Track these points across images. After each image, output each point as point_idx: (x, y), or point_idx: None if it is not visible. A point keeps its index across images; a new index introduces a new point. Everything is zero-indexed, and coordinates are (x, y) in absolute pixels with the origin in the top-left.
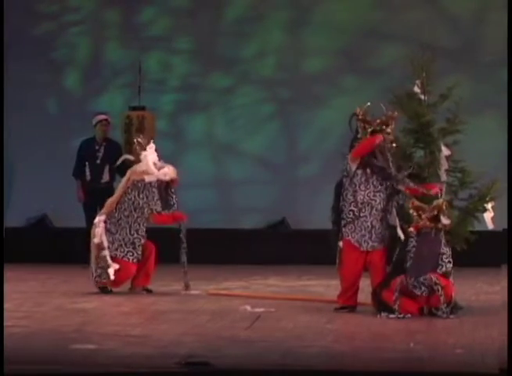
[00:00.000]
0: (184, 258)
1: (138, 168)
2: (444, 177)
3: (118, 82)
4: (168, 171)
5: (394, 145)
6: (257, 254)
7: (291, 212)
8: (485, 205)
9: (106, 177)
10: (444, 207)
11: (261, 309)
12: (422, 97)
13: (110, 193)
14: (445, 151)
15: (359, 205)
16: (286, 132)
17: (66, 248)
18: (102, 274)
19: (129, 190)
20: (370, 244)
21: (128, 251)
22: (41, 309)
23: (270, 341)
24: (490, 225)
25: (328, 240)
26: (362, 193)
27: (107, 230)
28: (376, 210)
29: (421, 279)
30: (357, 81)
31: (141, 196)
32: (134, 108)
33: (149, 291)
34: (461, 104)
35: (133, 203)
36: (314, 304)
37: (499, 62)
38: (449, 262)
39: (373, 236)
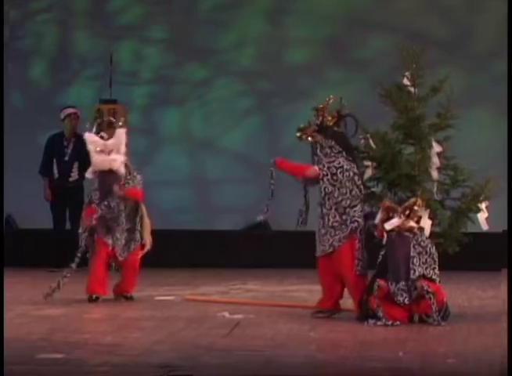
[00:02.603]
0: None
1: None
2: (435, 175)
3: (88, 74)
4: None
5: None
6: (235, 257)
7: (272, 213)
8: (479, 205)
9: (74, 175)
10: (416, 206)
11: (240, 316)
12: (412, 90)
13: (79, 192)
14: (437, 147)
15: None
16: (267, 127)
17: (32, 251)
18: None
19: None
20: (321, 248)
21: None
22: (6, 315)
23: (250, 349)
24: (484, 227)
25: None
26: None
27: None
28: (319, 214)
29: (401, 285)
30: (343, 72)
31: None
32: (105, 101)
33: (128, 298)
34: (453, 97)
35: None
36: (296, 310)
37: (493, 53)
38: (423, 263)
39: (320, 240)
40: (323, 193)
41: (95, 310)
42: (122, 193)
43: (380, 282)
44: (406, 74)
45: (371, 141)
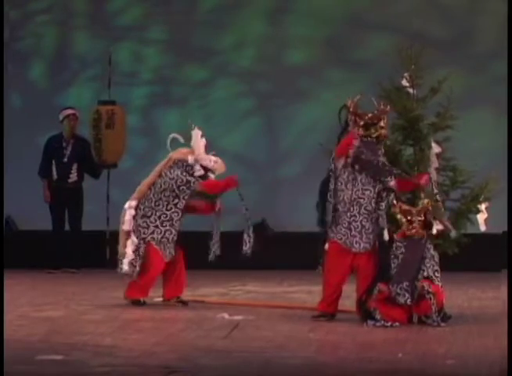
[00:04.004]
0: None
1: (182, 149)
2: (434, 176)
3: (87, 75)
4: (216, 160)
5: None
6: (235, 258)
7: (272, 213)
8: (479, 206)
9: (73, 176)
10: (430, 207)
11: (240, 317)
12: (411, 91)
13: (79, 193)
14: (436, 148)
15: (347, 204)
16: (266, 128)
17: (31, 252)
18: (125, 265)
19: (170, 170)
20: (362, 245)
21: (165, 230)
22: (5, 317)
23: (249, 351)
24: (483, 228)
25: (315, 243)
26: (350, 191)
27: (142, 215)
28: (365, 209)
29: (404, 285)
30: (343, 73)
31: (184, 173)
32: (103, 102)
33: (184, 303)
34: (452, 98)
35: (176, 181)
36: (296, 312)
37: (493, 53)
38: (432, 265)
39: (364, 236)
40: (387, 189)
41: (94, 312)
42: None
43: (381, 286)
44: (405, 74)
45: None
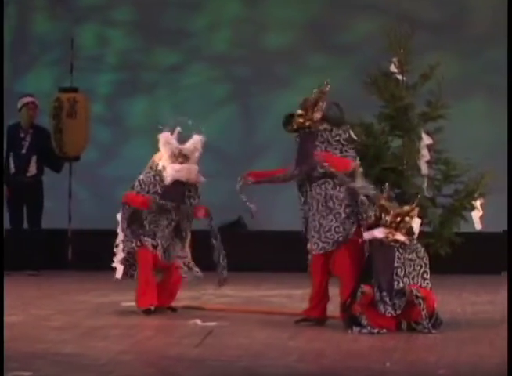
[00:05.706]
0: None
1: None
2: (424, 169)
3: (47, 59)
4: (179, 169)
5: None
6: (208, 259)
7: (248, 210)
8: (473, 203)
9: (32, 169)
10: (408, 217)
11: (213, 323)
12: (399, 77)
13: (38, 188)
14: (427, 140)
15: (308, 202)
16: (243, 117)
17: None
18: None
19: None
20: (321, 245)
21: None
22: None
23: (224, 360)
24: (478, 226)
25: (296, 242)
26: (311, 188)
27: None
28: (322, 205)
29: (383, 295)
30: (325, 58)
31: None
32: (65, 89)
33: (173, 310)
34: (445, 85)
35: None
36: (274, 317)
37: (488, 36)
38: (420, 267)
39: (322, 236)
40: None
41: (55, 317)
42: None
43: (365, 288)
44: (393, 59)
45: (351, 132)
